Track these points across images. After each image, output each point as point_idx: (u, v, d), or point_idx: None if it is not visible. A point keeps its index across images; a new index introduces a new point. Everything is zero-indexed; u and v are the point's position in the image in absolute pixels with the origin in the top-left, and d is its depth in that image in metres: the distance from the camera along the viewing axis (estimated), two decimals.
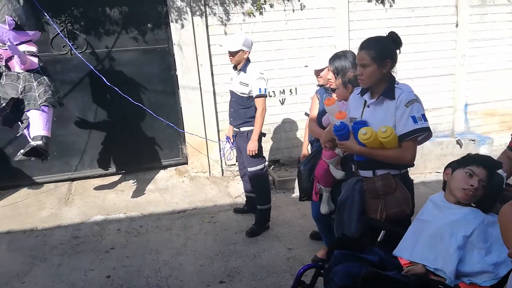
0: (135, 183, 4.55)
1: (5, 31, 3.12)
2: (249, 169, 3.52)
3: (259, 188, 3.56)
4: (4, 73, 3.28)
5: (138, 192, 4.35)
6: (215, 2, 4.44)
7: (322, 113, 2.61)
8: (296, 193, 4.33)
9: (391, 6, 4.96)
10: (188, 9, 4.32)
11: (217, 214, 3.94)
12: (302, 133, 4.93)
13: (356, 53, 2.13)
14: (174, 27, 4.35)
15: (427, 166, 4.93)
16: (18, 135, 3.50)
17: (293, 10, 4.68)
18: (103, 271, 3.00)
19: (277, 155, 5.00)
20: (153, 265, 3.05)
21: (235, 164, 4.80)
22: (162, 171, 4.84)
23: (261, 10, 4.57)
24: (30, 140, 3.34)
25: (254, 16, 4.58)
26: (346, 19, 4.83)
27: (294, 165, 4.66)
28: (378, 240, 1.89)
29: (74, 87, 4.38)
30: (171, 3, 4.28)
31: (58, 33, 4.04)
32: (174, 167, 4.90)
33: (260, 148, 3.47)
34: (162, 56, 4.59)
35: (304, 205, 3.81)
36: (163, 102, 4.62)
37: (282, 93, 4.85)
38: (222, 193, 4.41)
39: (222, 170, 4.86)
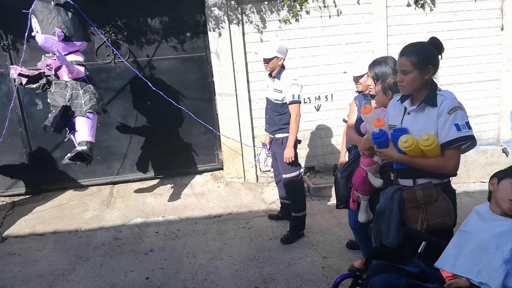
0: (173, 187, 4.67)
1: (55, 42, 3.32)
2: (284, 176, 3.52)
3: (294, 195, 3.55)
4: (53, 82, 3.48)
5: (176, 196, 4.46)
6: (251, 10, 4.51)
7: (360, 119, 2.58)
8: (332, 200, 4.30)
9: (431, 10, 4.82)
10: (226, 18, 4.41)
11: (251, 220, 3.97)
12: (337, 140, 4.88)
13: (396, 59, 2.09)
14: (211, 35, 4.46)
15: (471, 175, 4.72)
16: (65, 140, 3.71)
17: (330, 16, 4.66)
18: (142, 272, 3.09)
19: (312, 162, 4.97)
20: (190, 268, 3.11)
21: (269, 170, 4.83)
22: (198, 176, 4.94)
23: (297, 17, 4.59)
24: (76, 145, 3.52)
25: (290, 23, 4.60)
26: (384, 24, 4.74)
27: (330, 172, 4.61)
28: (419, 251, 1.83)
29: (117, 94, 4.58)
30: (209, 13, 4.40)
31: (104, 43, 4.26)
32: (210, 173, 4.99)
33: (295, 155, 3.47)
34: (200, 64, 4.70)
35: (340, 213, 3.76)
36: (200, 108, 4.72)
37: (317, 100, 4.83)
38: (257, 199, 4.43)
39: (257, 176, 4.89)
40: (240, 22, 4.49)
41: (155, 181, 4.84)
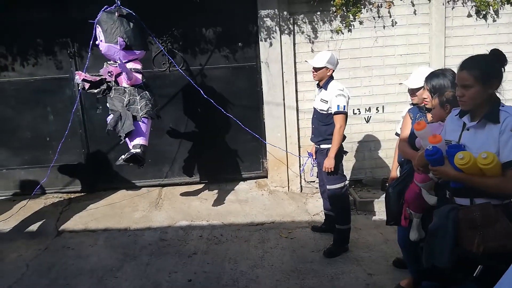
0: (217, 193, 4.75)
1: (116, 50, 3.52)
2: (328, 187, 3.47)
3: (339, 207, 3.48)
4: (113, 87, 3.69)
5: (220, 202, 4.53)
6: (303, 20, 4.53)
7: (414, 133, 2.48)
8: (379, 216, 4.15)
9: (494, 21, 4.57)
10: (277, 28, 4.46)
11: (294, 230, 3.93)
12: (387, 153, 4.73)
13: (454, 71, 1.99)
14: (262, 45, 4.52)
15: None
16: (121, 142, 3.90)
17: (384, 27, 4.56)
18: (185, 274, 3.16)
19: (359, 174, 4.85)
20: (231, 274, 3.14)
21: (314, 181, 4.77)
22: (242, 183, 5.00)
23: (349, 27, 4.54)
24: (130, 147, 3.69)
25: (342, 33, 4.55)
26: (442, 35, 4.55)
27: (377, 187, 4.46)
28: (474, 275, 1.72)
29: (170, 101, 4.76)
30: (261, 23, 4.47)
31: (160, 52, 4.47)
32: (254, 180, 5.02)
33: (339, 166, 3.41)
34: (249, 73, 4.78)
35: (387, 229, 3.63)
36: (248, 116, 4.78)
37: (367, 111, 4.72)
38: (300, 209, 4.39)
39: (301, 186, 4.85)
40: (292, 32, 4.52)
41: (201, 186, 4.96)
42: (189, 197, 4.67)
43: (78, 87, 3.81)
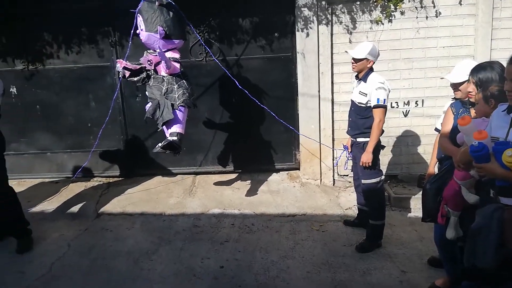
0: (250, 183, 4.79)
1: (156, 39, 3.60)
2: (363, 181, 3.41)
3: (373, 202, 3.42)
4: (152, 76, 3.78)
5: (252, 192, 4.57)
6: (342, 10, 4.43)
7: (456, 128, 2.38)
8: (414, 213, 4.05)
9: None
10: (315, 18, 4.39)
11: (326, 223, 3.91)
12: (425, 149, 4.58)
13: (503, 64, 1.89)
14: (299, 35, 4.47)
15: None
16: (158, 130, 4.00)
17: (427, 17, 4.38)
18: (217, 261, 3.23)
19: (395, 170, 4.73)
20: (262, 263, 3.17)
21: (347, 175, 4.71)
22: (274, 174, 5.01)
23: (390, 18, 4.40)
24: (167, 135, 3.78)
25: (382, 23, 4.42)
26: (489, 26, 4.32)
27: (413, 183, 4.34)
28: None
29: (205, 90, 4.82)
30: (298, 13, 4.41)
31: (197, 42, 4.52)
32: (286, 172, 5.02)
33: (376, 160, 3.34)
34: (285, 63, 4.75)
35: (422, 227, 3.54)
36: (282, 107, 4.76)
37: (406, 105, 4.57)
38: (332, 202, 4.35)
39: (334, 179, 4.79)
40: (329, 23, 4.43)
41: (233, 175, 5.01)
42: (222, 186, 4.74)
43: (119, 75, 3.92)
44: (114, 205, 4.34)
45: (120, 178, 5.04)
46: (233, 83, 4.17)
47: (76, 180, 4.90)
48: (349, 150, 3.64)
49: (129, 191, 4.66)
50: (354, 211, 4.04)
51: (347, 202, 4.33)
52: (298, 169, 4.93)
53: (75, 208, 4.27)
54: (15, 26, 4.68)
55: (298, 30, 4.46)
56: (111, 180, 5.02)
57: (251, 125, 4.91)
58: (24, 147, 5.02)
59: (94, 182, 4.93)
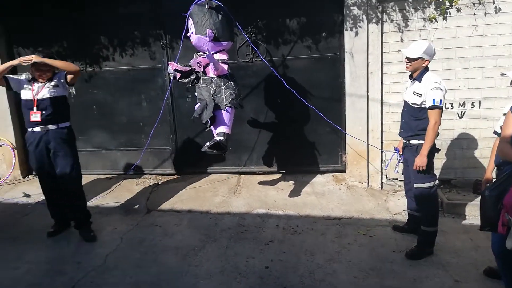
0: (294, 184, 4.77)
1: (205, 42, 3.68)
2: (416, 185, 3.27)
3: (425, 208, 3.28)
4: (201, 77, 3.88)
5: (296, 193, 4.54)
6: (393, 8, 4.29)
7: None
8: (469, 220, 3.85)
9: None
10: (364, 17, 4.29)
11: (373, 228, 3.80)
12: (481, 153, 4.33)
13: None
14: (347, 35, 4.39)
15: None
16: (206, 130, 4.10)
17: (485, 14, 4.13)
18: (262, 261, 3.25)
19: (449, 174, 4.50)
20: (308, 265, 3.15)
21: (396, 179, 4.56)
22: (319, 175, 4.95)
23: (445, 15, 4.19)
24: (214, 135, 3.86)
25: (437, 21, 4.23)
26: None
27: (468, 188, 4.11)
28: None
29: (251, 91, 4.87)
30: (347, 12, 4.33)
31: (244, 43, 4.57)
32: (332, 174, 4.94)
33: (430, 164, 3.19)
34: (332, 63, 4.68)
35: (477, 235, 3.35)
36: (328, 108, 4.69)
37: (461, 106, 4.34)
38: (380, 207, 4.23)
39: (382, 183, 4.66)
40: (380, 21, 4.31)
41: (277, 176, 5.02)
42: (266, 186, 4.76)
43: (170, 77, 4.06)
44: (163, 202, 4.50)
45: (169, 176, 5.22)
46: (278, 84, 4.18)
47: (129, 177, 5.14)
48: (400, 153, 3.52)
49: (177, 189, 4.81)
50: (403, 216, 3.90)
51: (396, 207, 4.19)
52: (344, 171, 4.84)
53: (127, 204, 4.49)
54: (76, 30, 5.00)
55: (346, 29, 4.38)
56: (160, 177, 5.21)
57: (296, 126, 4.89)
58: (81, 145, 5.32)
59: (144, 179, 5.15)
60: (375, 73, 4.40)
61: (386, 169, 4.54)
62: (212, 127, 3.91)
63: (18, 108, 5.38)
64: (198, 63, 3.76)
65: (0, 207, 4.63)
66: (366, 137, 4.53)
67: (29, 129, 3.60)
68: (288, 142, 4.95)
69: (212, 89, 3.79)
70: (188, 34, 3.78)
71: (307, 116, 4.81)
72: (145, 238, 3.71)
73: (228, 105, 3.77)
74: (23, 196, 4.86)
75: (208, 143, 3.76)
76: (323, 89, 4.75)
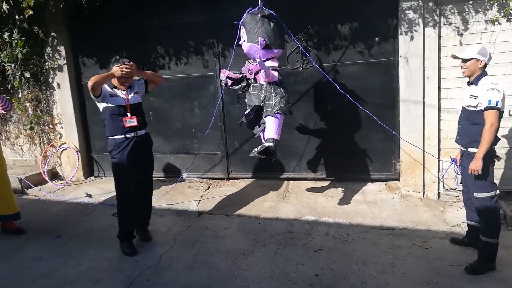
0: (344, 191, 4.68)
1: (257, 49, 3.75)
2: (475, 195, 3.08)
3: (486, 218, 3.07)
4: (252, 84, 3.95)
5: (346, 201, 4.46)
6: (452, 11, 4.11)
7: None
8: None
9: None
10: (420, 20, 4.15)
11: (430, 240, 3.63)
12: None
13: None
14: (402, 39, 4.26)
15: None
16: (255, 136, 4.16)
17: None
18: (311, 268, 3.21)
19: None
20: (359, 275, 3.07)
21: (455, 189, 4.33)
22: (371, 183, 4.83)
23: (509, 17, 3.94)
24: (263, 141, 3.90)
25: (500, 23, 3.99)
26: None
27: None
28: None
29: (301, 97, 4.87)
30: (402, 16, 4.21)
31: (294, 50, 4.59)
32: (384, 182, 4.80)
33: (489, 171, 2.99)
34: (385, 69, 4.57)
35: None
36: (381, 115, 4.55)
37: None
38: (437, 218, 4.03)
39: (439, 193, 4.44)
40: (437, 25, 4.14)
41: (326, 183, 4.96)
42: (315, 193, 4.72)
43: (221, 83, 4.17)
44: (214, 205, 4.62)
45: (219, 180, 5.35)
46: (328, 89, 4.16)
47: (181, 180, 5.32)
48: (458, 164, 3.34)
49: (227, 193, 4.91)
50: (462, 229, 3.69)
51: (455, 219, 3.97)
52: (398, 180, 4.68)
53: (180, 206, 4.65)
54: (135, 40, 5.30)
55: (401, 34, 4.26)
56: (211, 181, 5.35)
57: (346, 132, 4.82)
58: None
59: (196, 183, 5.31)
60: (432, 78, 4.23)
61: (443, 179, 4.32)
62: (261, 133, 3.96)
63: (83, 114, 5.85)
64: (249, 70, 3.83)
65: (65, 206, 5.00)
66: (422, 144, 4.36)
67: (118, 136, 3.49)
68: (338, 149, 4.88)
69: (262, 96, 3.85)
70: (240, 43, 3.88)
71: (358, 123, 4.72)
72: (196, 240, 3.81)
73: (278, 111, 3.80)
74: (85, 196, 5.21)
75: (257, 149, 3.81)
76: (375, 95, 4.64)
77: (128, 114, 3.51)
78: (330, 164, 5.02)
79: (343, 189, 4.75)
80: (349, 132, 4.82)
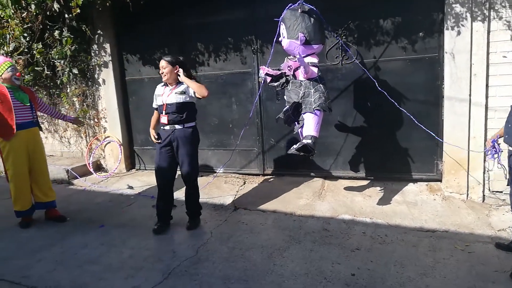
0: (382, 191, 4.58)
1: (296, 46, 3.74)
2: None
3: None
4: (291, 81, 3.94)
5: (385, 201, 4.36)
6: (503, 5, 3.88)
7: None
8: None
9: None
10: (468, 15, 3.96)
11: (473, 244, 3.48)
12: None
13: None
14: (448, 34, 4.09)
15: None
16: (294, 132, 4.16)
17: None
18: (348, 267, 3.18)
19: None
20: (397, 277, 3.00)
21: (501, 191, 4.11)
22: (411, 184, 4.69)
23: None
24: (302, 138, 3.89)
25: None
26: None
27: None
28: None
29: (339, 94, 4.80)
30: (448, 10, 4.04)
31: (335, 45, 4.53)
32: (425, 183, 4.65)
33: None
34: (429, 65, 4.40)
35: None
36: (423, 113, 4.43)
37: None
38: (481, 221, 3.85)
39: (484, 195, 4.24)
40: (486, 19, 3.93)
41: (364, 182, 4.87)
42: (352, 192, 4.65)
43: (260, 80, 4.19)
44: (249, 201, 4.66)
45: (255, 176, 5.39)
46: (369, 86, 4.07)
47: (218, 175, 5.41)
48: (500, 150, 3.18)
49: (263, 189, 4.94)
50: (509, 234, 3.51)
51: (500, 223, 3.78)
52: (440, 180, 4.51)
53: (216, 200, 4.74)
54: (176, 37, 5.43)
55: (447, 29, 4.08)
56: (247, 177, 5.40)
57: (386, 130, 4.70)
58: None
59: (232, 178, 5.38)
60: (480, 75, 4.03)
61: (487, 181, 4.12)
62: (299, 129, 3.94)
63: (126, 109, 6.07)
64: (288, 66, 3.83)
65: (108, 196, 5.23)
66: (467, 144, 4.17)
67: (161, 128, 3.90)
68: (377, 148, 4.77)
69: (301, 92, 3.83)
70: (280, 39, 3.88)
71: (399, 121, 4.59)
72: (232, 234, 3.87)
73: (317, 108, 3.77)
74: (127, 188, 5.43)
75: (295, 146, 3.80)
76: (418, 92, 4.49)
77: (163, 112, 3.80)
78: (368, 163, 4.92)
79: (381, 188, 4.65)
80: (389, 130, 4.69)
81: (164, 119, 3.82)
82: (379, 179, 4.83)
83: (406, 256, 3.32)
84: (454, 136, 4.20)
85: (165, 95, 3.81)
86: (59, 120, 6.60)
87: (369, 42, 4.57)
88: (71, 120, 4.74)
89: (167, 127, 3.83)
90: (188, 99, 3.80)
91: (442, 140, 4.27)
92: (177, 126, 3.80)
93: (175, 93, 3.77)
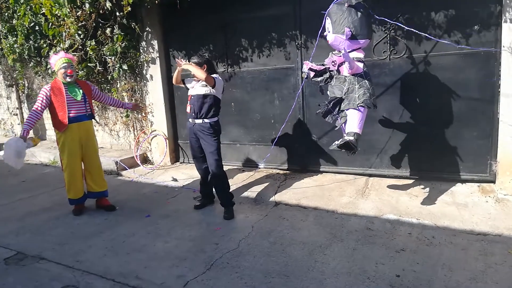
0: (429, 191, 4.40)
1: (342, 40, 3.67)
2: None
3: None
4: (335, 76, 3.88)
5: (432, 201, 4.18)
6: None
7: None
8: None
9: None
10: None
11: None
12: None
13: None
14: (506, 27, 3.84)
15: None
16: (336, 128, 4.09)
17: None
18: (392, 268, 3.09)
19: None
20: (445, 281, 2.88)
21: None
22: (460, 184, 4.46)
23: None
24: (344, 134, 3.82)
25: None
26: None
27: None
28: None
29: (386, 90, 4.65)
30: (507, 1, 3.79)
31: (382, 40, 4.38)
32: (477, 183, 4.41)
33: None
34: (485, 60, 4.15)
35: None
36: (476, 110, 4.20)
37: None
38: None
39: None
40: None
41: (410, 181, 4.70)
42: (397, 191, 4.50)
43: (303, 75, 4.16)
44: (290, 197, 4.65)
45: (296, 172, 5.36)
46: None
47: (259, 170, 5.45)
48: None
49: (304, 185, 4.91)
50: None
51: None
52: (493, 182, 4.26)
53: (257, 195, 4.78)
54: (221, 33, 5.51)
55: (505, 21, 3.83)
56: (287, 172, 5.39)
57: (435, 128, 4.50)
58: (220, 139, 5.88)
59: (273, 173, 5.40)
60: None
61: None
62: (342, 126, 3.88)
63: (172, 103, 6.26)
64: (332, 62, 3.77)
65: (154, 188, 5.43)
66: None
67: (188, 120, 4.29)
68: (425, 146, 4.59)
69: (345, 88, 3.76)
70: (325, 34, 3.82)
71: (450, 118, 4.37)
72: (273, 229, 3.89)
73: (361, 104, 3.69)
74: (172, 180, 5.61)
75: (337, 142, 3.74)
76: (471, 88, 4.25)
77: (189, 102, 4.21)
78: (415, 161, 4.74)
79: (428, 188, 4.47)
80: (438, 128, 4.49)
81: (188, 109, 4.21)
82: (426, 178, 4.64)
83: (455, 260, 3.17)
84: (511, 135, 3.94)
85: (192, 88, 4.21)
86: (109, 113, 6.96)
87: (419, 36, 4.37)
88: (130, 106, 5.02)
89: (190, 120, 4.21)
90: (209, 91, 4.07)
91: (496, 142, 4.02)
92: (196, 121, 4.15)
93: (200, 86, 4.11)
